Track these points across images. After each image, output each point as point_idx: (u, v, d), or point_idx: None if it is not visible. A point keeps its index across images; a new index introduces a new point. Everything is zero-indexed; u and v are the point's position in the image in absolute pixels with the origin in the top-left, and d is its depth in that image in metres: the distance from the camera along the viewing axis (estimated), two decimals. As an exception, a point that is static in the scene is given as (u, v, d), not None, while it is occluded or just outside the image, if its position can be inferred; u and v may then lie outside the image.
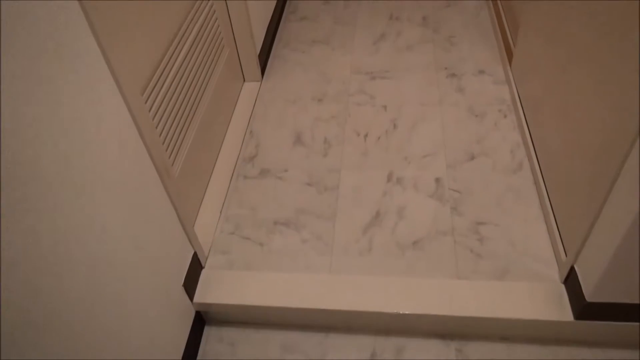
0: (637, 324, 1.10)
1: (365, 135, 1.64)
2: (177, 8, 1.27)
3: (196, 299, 1.21)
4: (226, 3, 1.64)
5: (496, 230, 1.32)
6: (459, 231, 1.33)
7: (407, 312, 1.15)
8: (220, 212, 1.43)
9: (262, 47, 1.90)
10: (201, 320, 1.26)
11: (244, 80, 1.88)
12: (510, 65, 1.79)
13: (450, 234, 1.33)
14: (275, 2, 2.15)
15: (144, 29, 1.10)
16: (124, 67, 0.86)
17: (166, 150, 1.20)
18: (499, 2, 2.08)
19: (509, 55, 1.82)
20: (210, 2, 1.50)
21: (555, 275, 1.21)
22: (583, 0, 1.14)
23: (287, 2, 2.34)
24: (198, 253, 1.24)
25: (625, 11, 0.94)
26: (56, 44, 0.69)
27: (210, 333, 1.25)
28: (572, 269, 1.13)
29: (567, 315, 1.11)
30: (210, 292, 1.23)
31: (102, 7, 0.92)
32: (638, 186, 0.86)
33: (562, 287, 1.17)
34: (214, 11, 1.53)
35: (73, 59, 0.73)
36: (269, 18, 2.03)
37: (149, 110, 1.11)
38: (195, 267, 1.24)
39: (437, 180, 1.47)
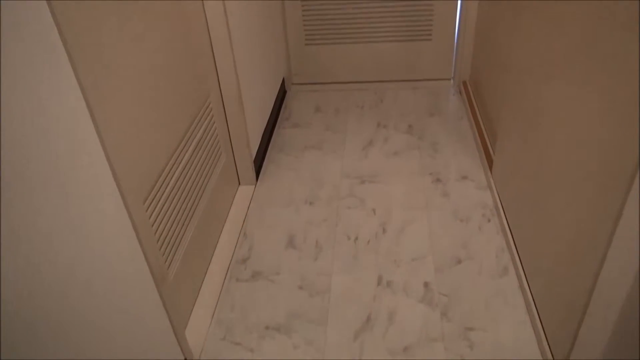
0: None
1: (356, 239, 1.69)
2: (180, 122, 1.38)
3: (184, 409, 1.19)
4: (225, 113, 1.76)
5: (485, 336, 1.34)
6: (449, 337, 1.34)
7: None
8: (212, 316, 1.44)
9: (257, 152, 2.01)
10: None
11: (239, 184, 1.97)
12: (491, 171, 1.90)
13: (441, 340, 1.34)
14: (271, 110, 2.30)
15: (148, 141, 1.19)
16: (128, 179, 0.92)
17: (162, 255, 1.24)
18: (477, 112, 2.25)
19: (489, 161, 1.94)
20: (211, 114, 1.62)
21: (546, 384, 1.21)
22: (555, 114, 1.26)
23: (282, 110, 2.51)
24: (188, 360, 1.24)
25: (591, 124, 1.04)
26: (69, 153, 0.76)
27: None
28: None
29: None
30: (198, 402, 1.20)
31: (109, 120, 1.01)
32: (620, 285, 0.91)
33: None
34: (214, 122, 1.65)
35: (79, 170, 0.80)
36: (265, 125, 2.17)
37: (149, 218, 1.17)
38: (185, 375, 1.22)
39: (426, 284, 1.50)
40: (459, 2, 2.40)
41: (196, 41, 1.51)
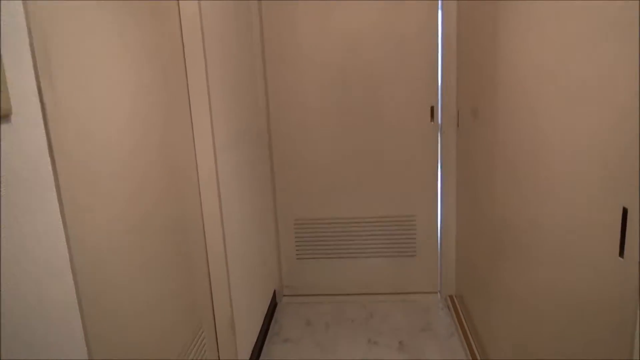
0: None
1: None
2: (167, 352, 1.38)
3: None
4: (216, 337, 1.77)
5: None
6: None
7: None
8: None
9: (245, 374, 1.95)
10: None
11: (225, 410, 1.86)
12: (488, 396, 1.84)
13: None
14: (261, 325, 2.30)
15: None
16: None
17: None
18: (467, 330, 2.26)
19: (485, 385, 1.89)
20: (203, 334, 1.63)
21: None
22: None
23: (272, 324, 2.50)
24: None
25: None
26: None
27: None
28: None
29: None
30: None
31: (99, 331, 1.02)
32: None
33: None
34: (205, 344, 1.64)
35: None
36: (254, 341, 2.15)
37: None
38: None
39: None
40: (439, 217, 2.62)
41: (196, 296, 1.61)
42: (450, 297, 2.62)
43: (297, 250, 2.73)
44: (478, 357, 2.05)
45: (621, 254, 0.82)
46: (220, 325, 1.76)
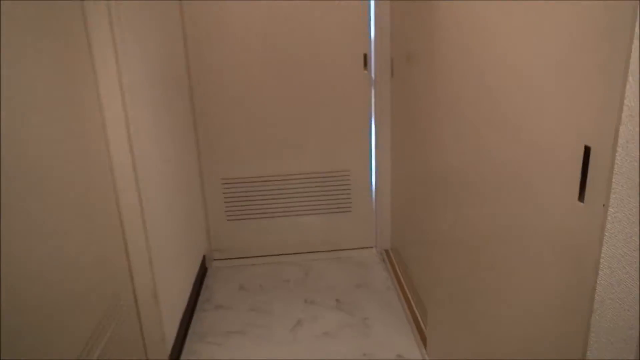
0: None
1: None
2: (79, 327, 1.20)
3: None
4: (137, 309, 1.60)
5: None
6: None
7: None
8: None
9: (173, 345, 1.81)
10: None
11: (152, 386, 1.71)
12: (425, 348, 1.82)
13: None
14: (190, 292, 2.15)
15: None
16: None
17: None
18: (403, 282, 2.24)
19: (423, 337, 1.87)
20: (121, 306, 1.45)
21: None
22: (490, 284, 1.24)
23: (202, 290, 2.35)
24: None
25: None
26: None
27: None
28: None
29: None
30: None
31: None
32: None
33: None
34: (124, 317, 1.47)
35: None
36: (183, 311, 1.99)
37: None
38: None
39: None
40: (373, 172, 2.55)
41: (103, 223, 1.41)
42: (386, 251, 2.59)
43: (226, 211, 2.56)
44: (415, 309, 2.03)
45: (581, 198, 0.75)
46: (141, 295, 1.58)
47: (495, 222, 1.12)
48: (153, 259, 1.59)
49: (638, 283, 0.68)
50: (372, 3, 2.28)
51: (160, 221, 1.72)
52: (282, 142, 2.47)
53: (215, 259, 2.62)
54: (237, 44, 2.31)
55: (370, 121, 2.47)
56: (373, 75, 2.37)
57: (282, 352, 1.90)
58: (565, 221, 0.80)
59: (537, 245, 0.92)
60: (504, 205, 1.06)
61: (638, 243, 0.66)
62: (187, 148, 2.27)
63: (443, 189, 1.54)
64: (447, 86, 1.44)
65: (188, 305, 2.09)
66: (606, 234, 0.68)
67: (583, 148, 0.73)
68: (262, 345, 1.94)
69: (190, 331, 2.05)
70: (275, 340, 1.97)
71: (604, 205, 0.68)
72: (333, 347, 1.92)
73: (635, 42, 0.62)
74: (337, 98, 2.42)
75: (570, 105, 0.78)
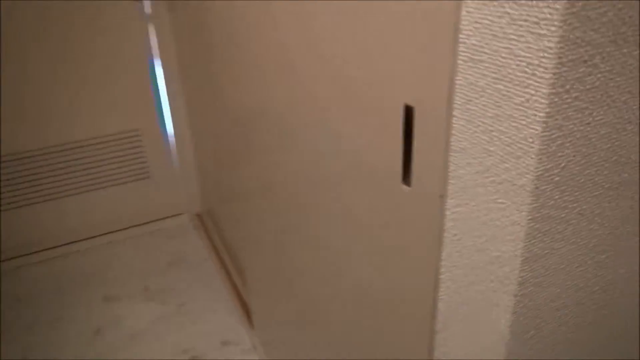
0: None
1: None
2: None
3: None
4: None
5: None
6: None
7: None
8: None
9: None
10: None
11: None
12: (251, 324, 1.60)
13: None
14: None
15: None
16: None
17: None
18: (220, 251, 1.96)
19: (247, 311, 1.64)
20: None
21: None
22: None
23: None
24: None
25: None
26: None
27: None
28: None
29: None
30: None
31: None
32: None
33: None
34: None
35: None
36: None
37: None
38: None
39: None
40: (170, 127, 2.14)
41: None
42: (198, 215, 2.26)
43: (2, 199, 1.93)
44: (235, 280, 1.78)
45: (406, 180, 0.51)
46: None
47: (312, 170, 0.87)
48: None
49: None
50: None
51: None
52: (53, 103, 1.88)
53: (-24, 267, 2.00)
54: None
55: (153, 65, 2.02)
56: (148, 12, 1.90)
57: (79, 375, 1.51)
58: (393, 212, 0.57)
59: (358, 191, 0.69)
60: (322, 154, 0.80)
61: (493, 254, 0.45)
62: None
63: (244, 135, 1.24)
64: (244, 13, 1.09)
65: None
66: (445, 239, 0.46)
67: (403, 108, 0.48)
68: (49, 374, 1.52)
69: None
70: (71, 354, 1.56)
71: (440, 196, 0.45)
72: (145, 351, 1.59)
73: None
74: (107, 37, 1.90)
75: (390, 41, 0.51)
